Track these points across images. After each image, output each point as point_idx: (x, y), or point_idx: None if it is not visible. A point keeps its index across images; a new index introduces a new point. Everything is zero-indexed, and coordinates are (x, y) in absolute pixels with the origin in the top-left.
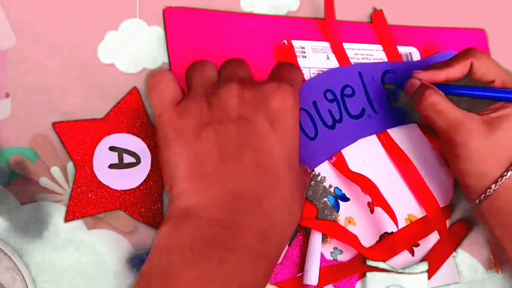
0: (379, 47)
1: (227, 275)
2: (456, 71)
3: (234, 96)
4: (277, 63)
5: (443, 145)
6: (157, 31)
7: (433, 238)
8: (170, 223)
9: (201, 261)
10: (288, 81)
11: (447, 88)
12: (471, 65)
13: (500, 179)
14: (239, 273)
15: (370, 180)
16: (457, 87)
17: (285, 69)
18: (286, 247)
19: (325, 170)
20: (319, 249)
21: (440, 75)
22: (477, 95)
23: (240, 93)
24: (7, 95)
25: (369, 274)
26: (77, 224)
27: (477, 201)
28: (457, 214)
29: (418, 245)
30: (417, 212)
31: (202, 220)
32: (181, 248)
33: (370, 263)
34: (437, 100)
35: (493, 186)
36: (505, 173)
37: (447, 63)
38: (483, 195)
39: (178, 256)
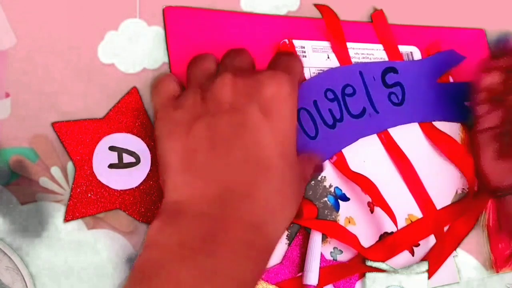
0: (379, 46)
1: (216, 268)
2: None
3: (227, 85)
4: (276, 52)
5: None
6: (157, 31)
7: (433, 238)
8: (160, 218)
9: (190, 256)
10: (285, 69)
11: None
12: None
13: None
14: (228, 266)
15: (370, 180)
16: None
17: (283, 58)
18: (286, 247)
19: (325, 170)
20: (319, 249)
21: None
22: None
23: (233, 83)
24: (7, 95)
25: (369, 274)
26: (77, 224)
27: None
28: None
29: (418, 245)
30: (417, 212)
31: (191, 214)
32: (170, 243)
33: (370, 263)
34: None
35: None
36: None
37: None
38: None
39: (167, 251)
